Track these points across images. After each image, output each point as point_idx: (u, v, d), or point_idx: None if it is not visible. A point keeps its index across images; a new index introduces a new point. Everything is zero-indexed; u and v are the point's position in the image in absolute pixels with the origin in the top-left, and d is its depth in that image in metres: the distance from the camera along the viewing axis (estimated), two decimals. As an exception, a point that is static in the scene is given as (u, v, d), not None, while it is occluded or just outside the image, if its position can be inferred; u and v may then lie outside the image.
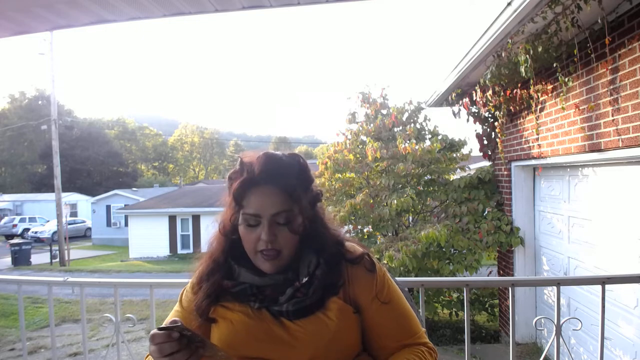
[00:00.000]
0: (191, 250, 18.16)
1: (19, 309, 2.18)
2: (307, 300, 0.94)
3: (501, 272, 5.09)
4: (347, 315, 0.96)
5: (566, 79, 3.10)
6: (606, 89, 2.73)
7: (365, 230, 5.92)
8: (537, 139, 3.82)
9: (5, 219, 28.06)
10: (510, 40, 3.14)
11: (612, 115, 2.69)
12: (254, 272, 0.98)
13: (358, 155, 6.09)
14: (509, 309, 2.12)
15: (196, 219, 18.38)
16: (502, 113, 4.20)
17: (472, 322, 5.60)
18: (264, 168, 0.96)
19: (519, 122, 4.23)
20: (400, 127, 6.23)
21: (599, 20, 2.51)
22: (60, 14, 1.90)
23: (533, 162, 4.07)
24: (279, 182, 0.95)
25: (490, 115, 4.78)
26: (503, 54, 3.39)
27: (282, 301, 0.94)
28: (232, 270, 1.01)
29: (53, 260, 16.20)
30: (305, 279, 0.96)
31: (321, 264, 0.98)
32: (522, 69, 3.20)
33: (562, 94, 3.20)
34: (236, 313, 0.96)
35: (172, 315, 1.05)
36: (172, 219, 18.62)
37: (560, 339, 1.74)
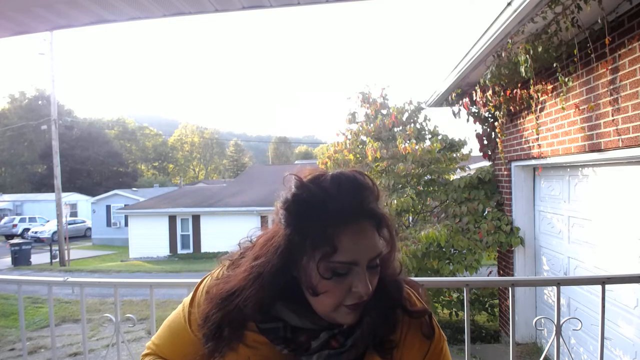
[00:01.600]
0: (191, 250, 18.19)
1: (19, 309, 2.17)
2: (343, 355, 0.75)
3: (501, 272, 5.09)
4: None
5: (566, 79, 3.10)
6: (606, 89, 2.73)
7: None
8: (537, 139, 3.82)
9: (5, 219, 28.07)
10: (510, 40, 3.14)
11: (612, 115, 2.68)
12: (293, 307, 0.76)
13: (358, 155, 6.10)
14: (509, 309, 2.12)
15: (196, 219, 18.40)
16: (502, 113, 4.20)
17: (472, 322, 5.60)
18: (355, 198, 0.72)
19: (519, 122, 4.23)
20: (400, 127, 6.24)
21: (599, 20, 2.51)
22: (60, 14, 1.90)
23: (533, 162, 4.06)
24: (371, 214, 0.73)
25: (490, 115, 4.78)
26: (503, 54, 3.39)
27: (313, 348, 0.75)
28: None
29: (53, 260, 16.20)
30: (346, 325, 0.76)
31: (373, 309, 0.77)
32: (522, 69, 3.20)
33: (562, 94, 3.20)
34: (252, 349, 0.77)
35: (177, 335, 0.87)
36: (172, 219, 18.62)
37: (560, 339, 1.74)
